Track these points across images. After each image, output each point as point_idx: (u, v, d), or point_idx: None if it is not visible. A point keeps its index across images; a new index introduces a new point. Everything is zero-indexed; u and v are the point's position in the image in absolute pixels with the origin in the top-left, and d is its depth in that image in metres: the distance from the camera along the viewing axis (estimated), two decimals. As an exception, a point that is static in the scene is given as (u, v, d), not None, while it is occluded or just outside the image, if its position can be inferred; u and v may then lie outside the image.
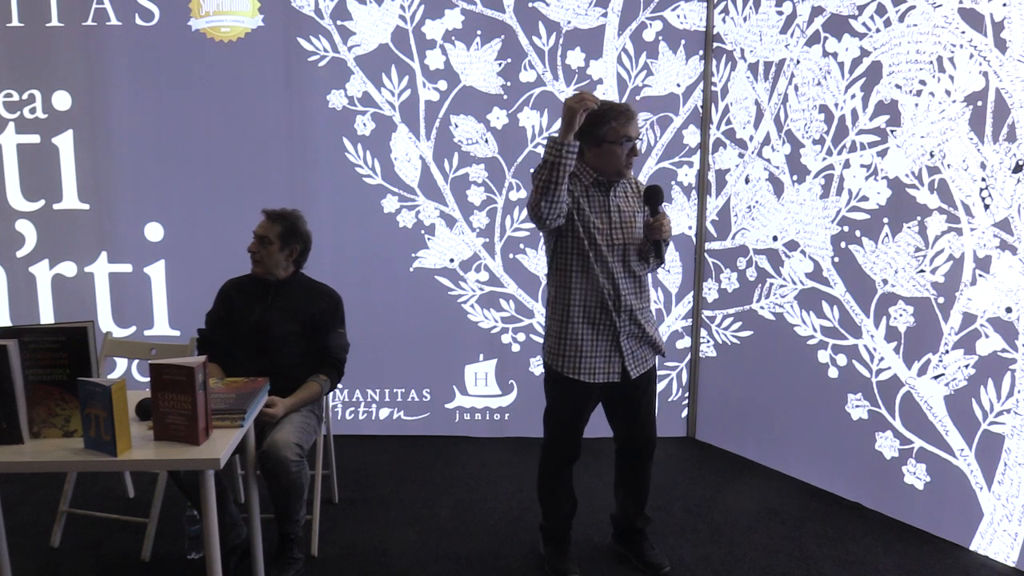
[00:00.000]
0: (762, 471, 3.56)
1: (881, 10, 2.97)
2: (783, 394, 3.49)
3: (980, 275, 2.76)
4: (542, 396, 2.68)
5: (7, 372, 1.97)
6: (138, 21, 3.59)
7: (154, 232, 3.75)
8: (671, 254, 3.81)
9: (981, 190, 2.73)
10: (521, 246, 3.79)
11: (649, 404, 2.63)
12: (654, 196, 2.44)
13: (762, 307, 3.55)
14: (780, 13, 3.33)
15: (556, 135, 2.24)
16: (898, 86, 2.94)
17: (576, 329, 2.45)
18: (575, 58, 3.65)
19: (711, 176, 3.73)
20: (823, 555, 2.83)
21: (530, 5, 3.61)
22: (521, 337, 3.86)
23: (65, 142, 3.66)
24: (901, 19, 2.91)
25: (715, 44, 3.64)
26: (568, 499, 2.69)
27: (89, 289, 3.76)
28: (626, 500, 2.74)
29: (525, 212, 3.67)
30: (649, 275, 2.57)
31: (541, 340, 3.26)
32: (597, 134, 2.37)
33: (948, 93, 2.79)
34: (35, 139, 3.64)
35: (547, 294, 2.58)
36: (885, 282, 3.05)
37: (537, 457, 2.75)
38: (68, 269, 3.75)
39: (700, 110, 3.71)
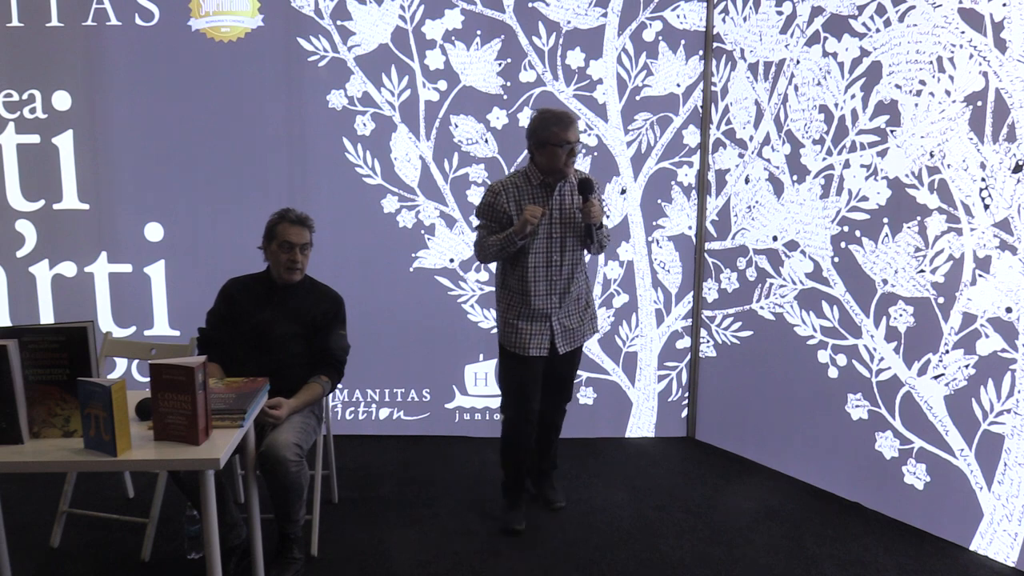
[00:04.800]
0: (762, 471, 3.56)
1: (881, 10, 2.97)
2: (783, 394, 3.49)
3: (980, 275, 2.76)
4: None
5: (7, 372, 1.97)
6: (138, 21, 3.59)
7: (154, 232, 3.75)
8: (671, 254, 3.82)
9: (981, 190, 2.73)
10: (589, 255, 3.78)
11: (571, 369, 3.05)
12: (584, 185, 2.77)
13: (762, 307, 3.55)
14: (780, 13, 3.34)
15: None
16: (898, 86, 2.94)
17: (516, 310, 2.87)
18: (575, 58, 3.65)
19: (711, 176, 3.73)
20: (823, 555, 2.83)
21: (530, 5, 3.61)
22: (521, 337, 3.86)
23: (65, 142, 3.66)
24: (901, 19, 2.91)
25: (715, 44, 3.64)
26: (529, 457, 3.06)
27: (89, 289, 3.76)
28: (539, 443, 3.11)
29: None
30: (586, 258, 2.98)
31: None
32: (542, 137, 2.73)
33: (948, 93, 2.79)
34: (35, 139, 3.64)
35: (495, 280, 3.00)
36: (885, 282, 3.05)
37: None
38: (68, 269, 3.75)
39: (700, 110, 3.71)
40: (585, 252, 2.93)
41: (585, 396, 3.90)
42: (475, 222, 3.00)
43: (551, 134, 2.70)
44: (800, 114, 3.29)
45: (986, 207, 2.72)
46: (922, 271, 2.92)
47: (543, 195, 2.80)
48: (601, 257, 3.80)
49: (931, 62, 2.83)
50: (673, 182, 3.77)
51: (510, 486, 3.04)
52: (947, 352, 2.87)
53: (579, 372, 3.84)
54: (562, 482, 3.35)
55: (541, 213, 2.70)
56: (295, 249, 2.67)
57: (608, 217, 2.93)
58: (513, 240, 2.72)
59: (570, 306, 2.91)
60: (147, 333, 3.80)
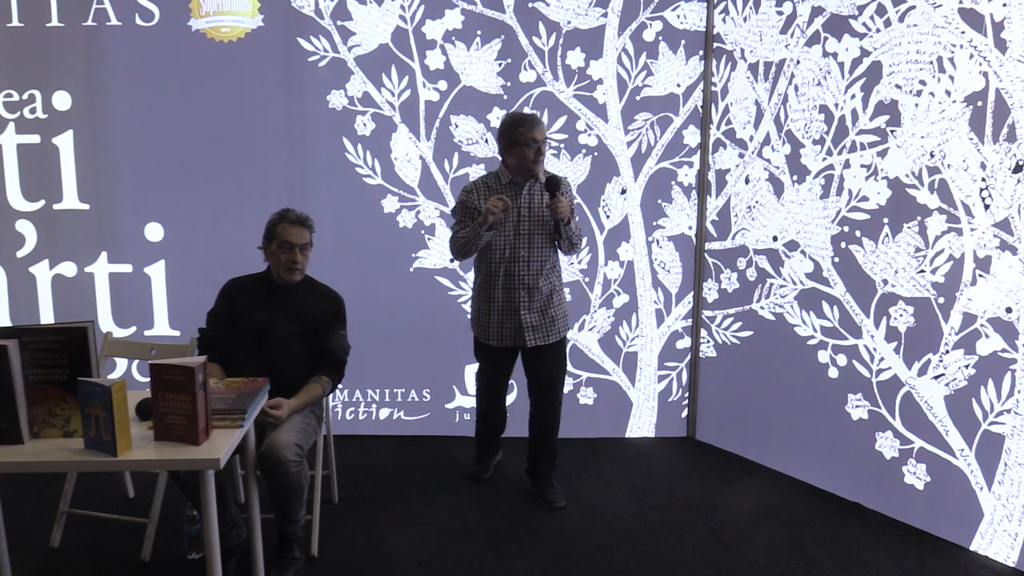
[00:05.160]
0: (762, 471, 3.56)
1: (881, 10, 2.97)
2: (783, 394, 3.49)
3: (980, 275, 2.76)
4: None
5: (7, 372, 1.97)
6: (138, 21, 3.59)
7: (154, 232, 3.75)
8: (671, 254, 3.82)
9: (981, 190, 2.73)
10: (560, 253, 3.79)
11: (553, 369, 3.12)
12: (551, 183, 2.90)
13: (762, 307, 3.55)
14: (780, 13, 3.34)
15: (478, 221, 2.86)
16: (898, 86, 2.94)
17: (484, 305, 3.05)
18: (575, 58, 3.65)
19: (711, 176, 3.73)
20: (823, 555, 2.83)
21: (530, 5, 3.61)
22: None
23: (65, 142, 3.66)
24: (901, 19, 2.91)
25: (715, 44, 3.64)
26: (493, 426, 3.38)
27: (89, 289, 3.76)
28: (532, 443, 3.23)
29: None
30: (560, 256, 3.09)
31: None
32: (510, 137, 2.91)
33: (948, 93, 2.79)
34: (35, 139, 3.64)
35: (473, 273, 3.16)
36: (885, 282, 3.05)
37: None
38: (68, 269, 3.75)
39: (700, 110, 3.71)
40: (558, 252, 3.07)
41: (585, 396, 3.90)
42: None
43: (518, 134, 2.88)
44: (800, 114, 3.29)
45: (986, 207, 2.72)
46: (922, 271, 2.92)
47: (511, 193, 2.96)
48: (601, 257, 3.80)
49: (931, 62, 2.83)
50: (673, 182, 3.77)
51: (479, 441, 3.44)
52: (947, 352, 2.87)
53: (580, 372, 3.86)
54: (562, 482, 3.35)
55: (504, 205, 2.84)
56: (295, 249, 2.67)
57: (576, 217, 3.03)
58: (478, 231, 2.86)
59: (540, 302, 3.03)
60: (147, 333, 3.80)
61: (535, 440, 3.21)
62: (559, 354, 3.14)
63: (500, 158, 3.04)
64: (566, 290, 3.19)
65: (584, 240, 3.31)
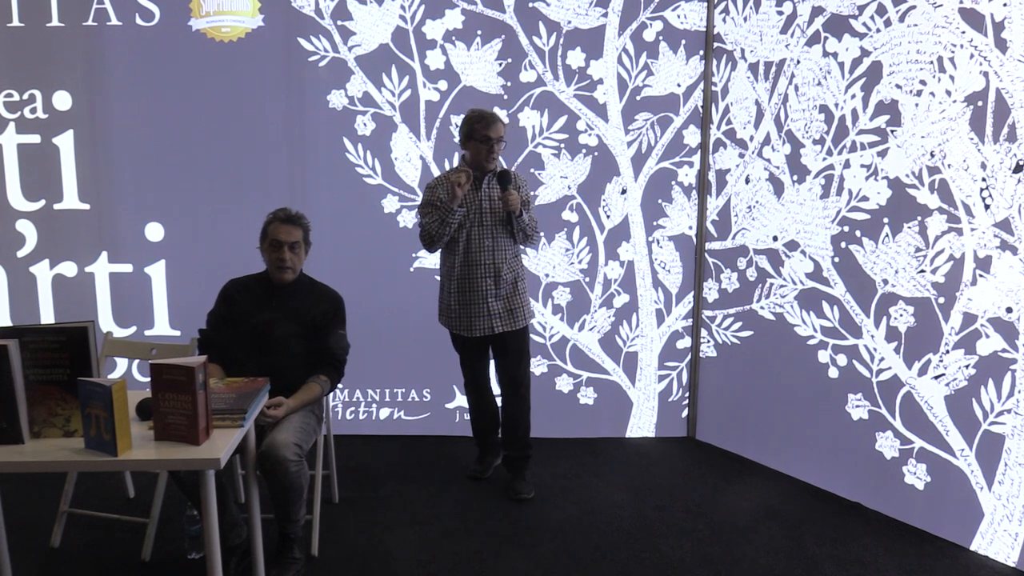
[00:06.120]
0: (762, 471, 3.57)
1: (881, 10, 2.97)
2: (783, 394, 3.49)
3: (980, 275, 2.76)
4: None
5: (7, 372, 1.97)
6: (138, 21, 3.59)
7: (154, 232, 3.75)
8: (671, 254, 3.82)
9: (981, 190, 2.73)
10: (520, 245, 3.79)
11: (518, 356, 3.23)
12: (502, 178, 3.07)
13: (762, 307, 3.55)
14: (780, 13, 3.33)
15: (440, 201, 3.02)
16: (898, 86, 2.94)
17: (451, 296, 3.18)
18: (575, 58, 3.65)
19: (711, 176, 3.73)
20: (823, 555, 2.83)
21: (530, 5, 3.61)
22: (521, 337, 3.86)
23: (65, 142, 3.66)
24: (901, 19, 2.91)
25: (715, 44, 3.64)
26: (486, 421, 3.43)
27: (89, 289, 3.76)
28: (504, 431, 3.34)
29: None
30: (520, 246, 3.21)
31: (541, 340, 3.87)
32: (467, 132, 3.08)
33: (948, 93, 2.79)
34: (35, 139, 3.64)
35: (439, 268, 3.30)
36: (885, 282, 3.05)
37: (536, 453, 3.39)
38: (68, 269, 3.75)
39: (700, 110, 3.71)
40: (517, 244, 3.19)
41: (586, 396, 3.90)
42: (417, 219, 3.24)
43: (474, 130, 3.06)
44: (800, 114, 3.29)
45: (986, 207, 2.72)
46: (922, 271, 2.92)
47: (473, 187, 3.10)
48: (601, 257, 3.80)
49: (931, 62, 2.83)
50: (673, 182, 3.77)
51: (476, 441, 3.50)
52: (947, 352, 2.87)
53: (580, 372, 3.86)
54: (561, 482, 3.35)
55: (468, 177, 3.00)
56: (284, 247, 2.66)
57: (531, 209, 3.19)
58: (449, 207, 3.00)
59: (505, 288, 3.15)
60: (147, 333, 3.80)
61: (508, 429, 3.31)
62: (523, 340, 3.25)
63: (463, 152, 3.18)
64: (525, 279, 3.27)
65: (541, 234, 3.38)
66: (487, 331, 3.16)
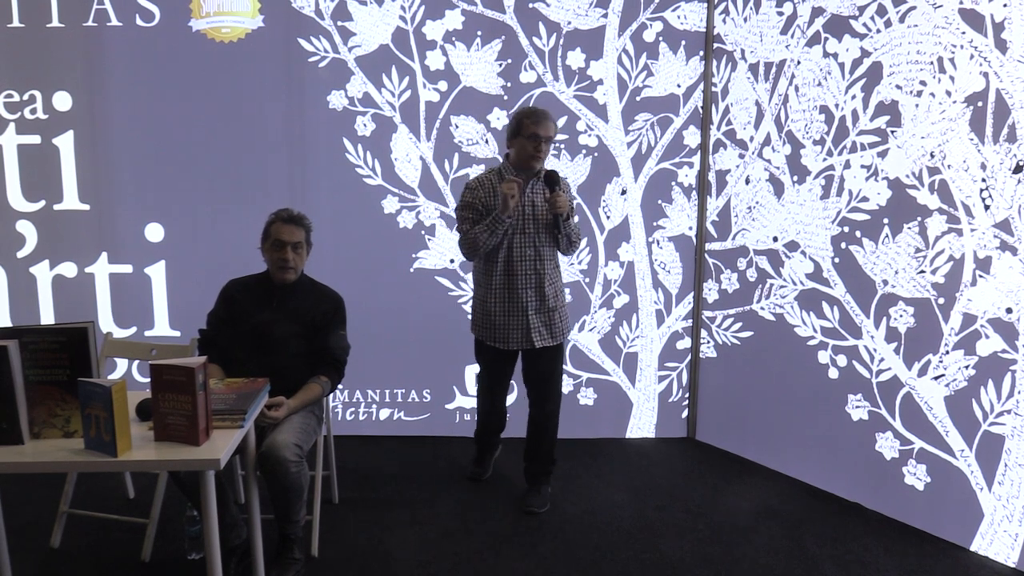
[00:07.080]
0: (762, 471, 3.57)
1: (881, 11, 2.97)
2: (783, 394, 3.49)
3: (980, 276, 2.76)
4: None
5: (7, 372, 1.97)
6: (139, 22, 3.59)
7: (154, 232, 3.75)
8: (671, 254, 3.82)
9: (981, 191, 2.73)
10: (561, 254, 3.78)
11: (553, 370, 3.12)
12: (550, 178, 2.91)
13: (762, 308, 3.55)
14: (780, 14, 3.34)
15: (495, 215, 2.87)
16: (898, 87, 2.94)
17: (490, 306, 3.01)
18: (575, 59, 3.65)
19: (711, 177, 3.73)
20: (823, 555, 2.83)
21: (530, 6, 3.61)
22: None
23: (65, 143, 3.66)
24: (902, 20, 2.92)
25: (715, 45, 3.64)
26: (494, 426, 3.36)
27: (89, 290, 3.76)
28: (528, 444, 3.24)
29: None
30: (560, 256, 3.09)
31: None
32: (516, 127, 2.94)
33: (948, 94, 2.79)
34: (35, 140, 3.64)
35: (473, 276, 3.16)
36: (885, 283, 3.05)
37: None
38: (68, 270, 3.75)
39: (700, 111, 3.72)
40: (559, 252, 3.07)
41: (586, 397, 3.90)
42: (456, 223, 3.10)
43: (523, 126, 2.92)
44: (801, 115, 3.29)
45: (986, 208, 2.72)
46: (922, 272, 2.92)
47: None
48: (601, 257, 3.80)
49: (932, 63, 2.83)
50: (673, 183, 3.77)
51: (477, 440, 3.43)
52: (947, 353, 2.87)
53: (580, 373, 3.86)
54: (561, 482, 3.35)
55: (520, 186, 2.87)
56: (286, 248, 2.66)
57: (576, 216, 3.05)
58: (500, 218, 2.86)
59: (547, 302, 3.02)
60: (147, 334, 3.80)
61: (533, 442, 3.20)
62: (560, 355, 3.13)
63: (507, 151, 3.03)
64: (566, 290, 3.19)
65: (584, 241, 3.30)
66: (526, 345, 3.02)
